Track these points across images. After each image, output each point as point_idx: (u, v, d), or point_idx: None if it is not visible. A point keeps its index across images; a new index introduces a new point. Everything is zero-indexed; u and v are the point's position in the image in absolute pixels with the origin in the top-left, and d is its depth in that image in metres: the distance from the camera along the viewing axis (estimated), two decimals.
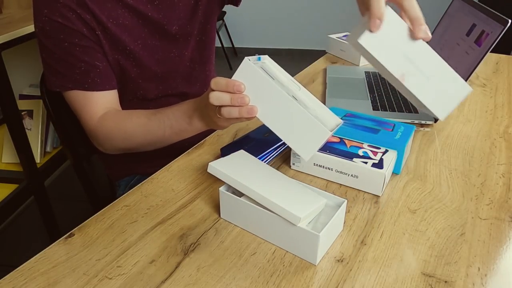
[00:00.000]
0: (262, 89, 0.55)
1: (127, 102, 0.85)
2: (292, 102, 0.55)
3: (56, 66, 0.74)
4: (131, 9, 0.77)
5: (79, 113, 0.77)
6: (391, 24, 0.53)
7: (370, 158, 0.65)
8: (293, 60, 3.75)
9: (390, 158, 0.65)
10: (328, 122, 0.59)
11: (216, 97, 0.56)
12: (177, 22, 0.83)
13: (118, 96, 0.82)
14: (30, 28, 1.47)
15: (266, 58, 0.60)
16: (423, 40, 0.53)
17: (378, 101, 0.95)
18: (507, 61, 1.28)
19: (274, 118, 0.56)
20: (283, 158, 0.75)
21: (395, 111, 0.90)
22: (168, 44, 0.84)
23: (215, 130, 0.84)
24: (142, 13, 0.78)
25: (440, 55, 0.54)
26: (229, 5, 0.94)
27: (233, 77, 0.56)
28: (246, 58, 0.55)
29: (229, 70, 3.46)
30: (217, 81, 0.56)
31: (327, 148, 0.68)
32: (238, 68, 0.55)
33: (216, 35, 1.72)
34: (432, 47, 0.54)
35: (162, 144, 0.75)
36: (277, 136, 0.76)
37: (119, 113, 0.77)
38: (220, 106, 0.57)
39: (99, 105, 0.76)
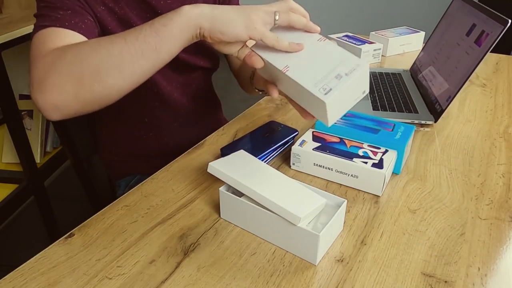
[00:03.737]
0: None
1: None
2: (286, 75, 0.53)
3: (44, 11, 0.67)
4: None
5: (35, 53, 0.61)
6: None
7: (370, 158, 0.65)
8: None
9: (390, 158, 0.65)
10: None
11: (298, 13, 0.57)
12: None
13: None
14: (30, 28, 1.47)
15: None
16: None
17: (378, 101, 0.95)
18: (507, 61, 1.28)
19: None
20: (283, 158, 0.75)
21: (395, 111, 0.90)
22: None
23: (214, 130, 0.84)
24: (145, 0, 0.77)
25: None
26: None
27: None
28: None
29: (230, 70, 3.45)
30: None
31: (327, 148, 0.68)
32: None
33: None
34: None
35: (129, 65, 0.56)
36: (277, 136, 0.76)
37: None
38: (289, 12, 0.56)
39: (66, 43, 0.62)
